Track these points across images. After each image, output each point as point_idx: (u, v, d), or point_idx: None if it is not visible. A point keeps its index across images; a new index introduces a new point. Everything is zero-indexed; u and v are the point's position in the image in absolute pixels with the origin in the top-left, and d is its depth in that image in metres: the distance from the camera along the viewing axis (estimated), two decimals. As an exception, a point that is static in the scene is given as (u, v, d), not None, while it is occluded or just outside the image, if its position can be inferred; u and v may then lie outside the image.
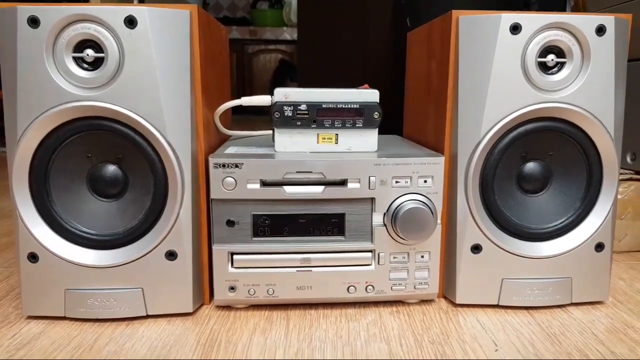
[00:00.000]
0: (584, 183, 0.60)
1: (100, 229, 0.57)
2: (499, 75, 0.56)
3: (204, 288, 0.61)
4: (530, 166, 0.60)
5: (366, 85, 0.61)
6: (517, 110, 0.57)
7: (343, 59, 1.23)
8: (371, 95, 0.60)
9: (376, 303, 0.62)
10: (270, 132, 0.63)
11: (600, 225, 0.60)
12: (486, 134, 0.57)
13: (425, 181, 0.58)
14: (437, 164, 0.58)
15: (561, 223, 0.60)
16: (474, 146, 0.58)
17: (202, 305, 0.62)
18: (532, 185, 0.61)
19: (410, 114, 0.78)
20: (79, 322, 0.58)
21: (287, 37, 2.56)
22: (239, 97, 0.62)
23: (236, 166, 0.56)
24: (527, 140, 0.59)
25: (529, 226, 0.60)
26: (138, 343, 0.53)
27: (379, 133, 0.63)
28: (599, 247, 0.60)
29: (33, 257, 0.56)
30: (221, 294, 0.59)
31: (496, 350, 0.52)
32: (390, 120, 0.79)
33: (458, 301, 0.61)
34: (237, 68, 2.50)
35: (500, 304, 0.61)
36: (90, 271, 0.57)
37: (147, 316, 0.58)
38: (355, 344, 0.53)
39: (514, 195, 0.60)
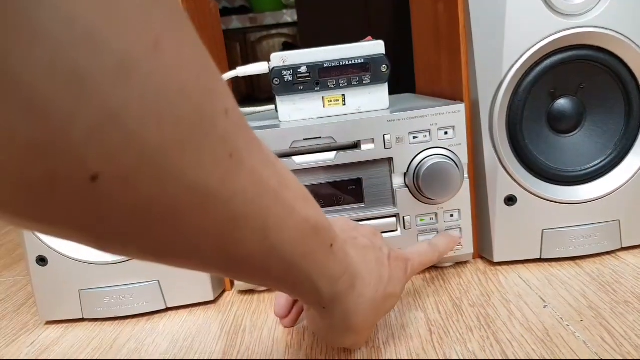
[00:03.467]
0: (623, 115, 0.54)
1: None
2: (515, 5, 0.51)
3: (223, 274, 0.58)
4: (561, 103, 0.55)
5: (369, 38, 0.56)
6: (539, 42, 0.51)
7: (344, 25, 1.17)
8: (376, 47, 0.55)
9: (407, 271, 0.58)
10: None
11: (646, 159, 0.54)
12: (508, 72, 0.52)
13: (446, 133, 0.53)
14: (457, 112, 0.53)
15: (601, 162, 0.55)
16: (495, 88, 0.53)
17: (223, 292, 0.59)
18: (564, 124, 0.55)
19: (422, 67, 0.73)
20: (98, 322, 0.55)
21: (288, 19, 2.50)
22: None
23: (239, 140, 0.52)
24: (554, 75, 0.53)
25: (565, 169, 0.55)
26: (159, 337, 0.50)
27: (390, 94, 0.58)
28: (647, 183, 0.55)
29: (42, 261, 0.54)
30: (241, 278, 0.55)
31: (545, 307, 0.47)
32: (401, 80, 0.74)
33: (496, 259, 0.56)
34: (242, 58, 2.45)
35: (542, 257, 0.56)
36: (101, 269, 0.54)
37: (167, 309, 0.55)
38: (389, 315, 0.49)
39: (545, 138, 0.55)
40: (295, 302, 0.46)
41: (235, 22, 2.51)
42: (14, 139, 0.16)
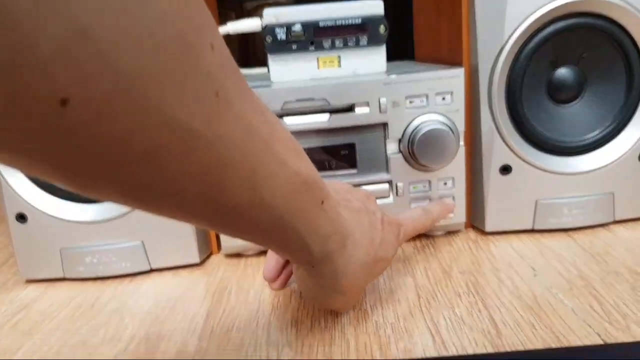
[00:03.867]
0: (623, 86, 0.53)
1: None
2: (519, -33, 0.49)
3: (210, 237, 0.57)
4: (562, 72, 0.53)
5: (368, -4, 0.54)
6: (542, 7, 0.49)
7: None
8: (374, 7, 0.53)
9: (398, 239, 0.57)
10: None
11: (644, 132, 0.53)
12: (509, 37, 0.50)
13: (444, 98, 0.52)
14: (456, 77, 0.51)
15: (599, 134, 0.54)
16: (496, 53, 0.51)
17: (210, 255, 0.57)
18: (564, 94, 0.54)
19: (421, 31, 0.71)
20: (80, 282, 0.54)
21: (287, -11, 2.45)
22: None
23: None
24: (556, 42, 0.51)
25: (563, 140, 0.53)
26: (142, 298, 0.49)
27: (388, 61, 0.56)
28: (644, 157, 0.54)
29: (22, 218, 0.52)
30: (229, 240, 0.54)
31: (535, 275, 0.46)
32: (400, 48, 0.72)
33: (488, 229, 0.55)
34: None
35: (535, 228, 0.55)
36: (84, 227, 0.52)
37: (152, 270, 0.54)
38: (377, 280, 0.48)
39: (544, 107, 0.54)
40: (284, 265, 0.45)
41: (231, -8, 2.46)
42: None
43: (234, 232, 0.30)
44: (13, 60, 0.15)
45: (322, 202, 0.32)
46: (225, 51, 0.24)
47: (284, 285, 0.45)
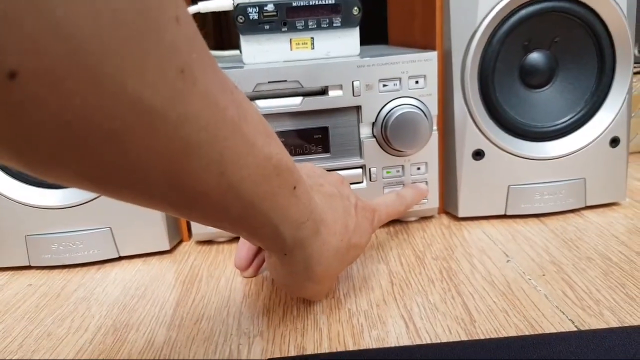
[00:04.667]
0: (595, 72, 0.54)
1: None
2: (494, -51, 0.48)
3: (180, 223, 0.56)
4: (534, 57, 0.53)
5: (341, -23, 0.53)
6: (516, -10, 0.49)
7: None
8: (348, -13, 0.52)
9: (371, 224, 0.56)
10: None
11: (615, 117, 0.54)
12: (482, 21, 0.50)
13: (417, 82, 0.51)
14: (429, 61, 0.51)
15: (570, 119, 0.54)
16: (469, 37, 0.51)
17: (180, 242, 0.56)
18: (536, 79, 0.54)
19: (395, 15, 0.70)
20: (45, 270, 0.52)
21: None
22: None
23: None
24: (529, 26, 0.51)
25: (535, 125, 0.54)
26: (110, 286, 0.48)
27: (362, 44, 0.55)
28: (614, 142, 0.54)
29: (-17, 204, 0.50)
30: (200, 227, 0.53)
31: (508, 261, 0.46)
32: (374, 32, 0.71)
33: (461, 214, 0.55)
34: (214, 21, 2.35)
35: (507, 213, 0.55)
36: (49, 213, 0.50)
37: (120, 258, 0.53)
38: (350, 267, 0.47)
39: (517, 92, 0.54)
40: (256, 253, 0.44)
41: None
42: None
43: (204, 219, 0.29)
44: None
45: (295, 188, 0.31)
46: (192, 26, 0.22)
47: (256, 273, 0.44)
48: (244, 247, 0.44)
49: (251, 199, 0.28)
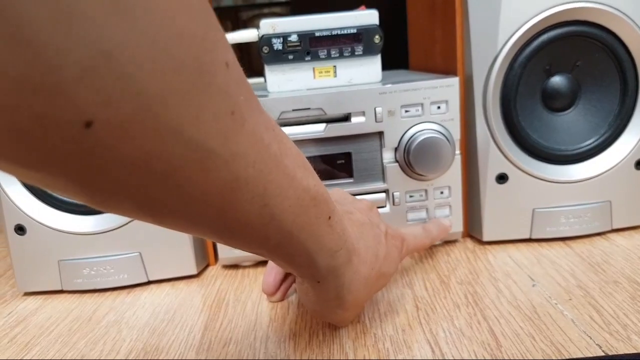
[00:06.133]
0: (618, 94, 0.53)
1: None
2: (513, -23, 0.49)
3: (207, 248, 0.57)
4: (556, 80, 0.53)
5: (362, 7, 0.54)
6: (536, 15, 0.50)
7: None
8: (369, 17, 0.53)
9: (395, 248, 0.57)
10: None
11: (639, 139, 0.53)
12: (503, 46, 0.50)
13: (439, 107, 0.52)
14: (451, 86, 0.51)
15: (594, 141, 0.54)
16: (490, 62, 0.51)
17: (207, 266, 0.57)
18: (559, 102, 0.54)
19: (416, 40, 0.71)
20: (77, 294, 0.54)
21: (282, -2, 2.45)
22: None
23: (226, 109, 0.50)
24: (550, 51, 0.52)
25: (558, 148, 0.54)
26: (140, 310, 0.49)
27: (383, 69, 0.56)
28: (639, 164, 0.54)
29: (20, 230, 0.52)
30: (225, 252, 0.54)
31: (533, 285, 0.46)
32: (394, 57, 0.73)
33: (485, 238, 0.55)
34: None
35: (532, 237, 0.55)
36: (82, 239, 0.52)
37: (149, 282, 0.54)
38: (375, 293, 0.48)
39: (539, 115, 0.54)
40: (283, 279, 0.45)
41: (227, 0, 2.46)
42: (2, 75, 0.15)
43: (242, 246, 0.30)
44: (39, 83, 0.16)
45: (330, 217, 0.32)
46: (239, 69, 0.24)
47: (283, 297, 0.45)
48: (272, 272, 0.44)
49: (290, 228, 0.29)
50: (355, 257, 0.36)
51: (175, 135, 0.20)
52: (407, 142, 0.52)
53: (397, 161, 0.53)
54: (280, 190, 0.27)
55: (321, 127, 0.51)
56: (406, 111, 0.51)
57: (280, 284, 0.44)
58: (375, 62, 0.55)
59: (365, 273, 0.37)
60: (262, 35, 0.52)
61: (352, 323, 0.43)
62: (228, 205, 0.25)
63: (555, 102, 0.54)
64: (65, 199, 0.52)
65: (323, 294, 0.36)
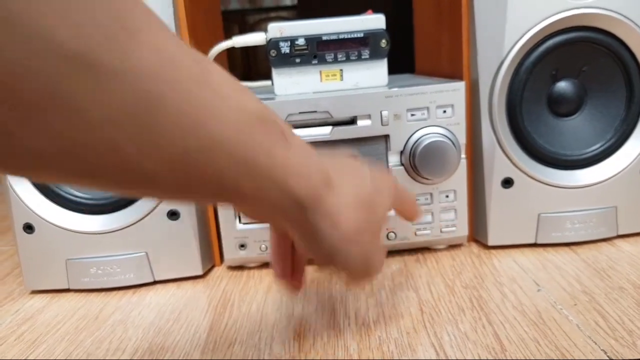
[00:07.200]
0: (624, 99, 0.53)
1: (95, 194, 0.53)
2: (520, -18, 0.49)
3: (213, 249, 0.57)
4: (562, 85, 0.53)
5: (370, 11, 0.54)
6: (542, 21, 0.50)
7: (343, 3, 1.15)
8: (376, 21, 0.53)
9: (400, 251, 0.57)
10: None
11: (646, 145, 0.53)
12: (509, 51, 0.51)
13: (445, 111, 0.52)
14: (456, 91, 0.52)
15: (600, 147, 0.54)
16: (496, 67, 0.51)
17: (213, 267, 0.58)
18: (565, 107, 0.54)
19: (422, 44, 0.71)
20: (84, 293, 0.54)
21: (287, 2, 2.47)
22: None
23: (233, 112, 0.50)
24: (556, 56, 0.52)
25: (564, 153, 0.54)
26: (146, 310, 0.49)
27: (389, 73, 0.56)
28: (646, 170, 0.54)
29: (29, 228, 0.53)
30: (231, 252, 0.54)
31: (539, 290, 0.46)
32: (400, 61, 0.73)
33: (490, 243, 0.55)
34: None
35: (538, 242, 0.55)
36: (89, 238, 0.53)
37: (155, 282, 0.54)
38: (379, 294, 0.48)
39: (545, 120, 0.54)
40: (291, 263, 0.40)
41: (235, 3, 2.47)
42: None
43: (199, 189, 0.26)
44: None
45: (285, 137, 0.29)
46: None
47: (301, 281, 0.41)
48: (277, 260, 0.40)
49: (244, 154, 0.26)
50: (336, 177, 0.32)
51: (47, 43, 0.18)
52: (412, 146, 0.52)
53: (402, 164, 0.53)
54: (211, 109, 0.24)
55: (327, 130, 0.52)
56: (412, 115, 0.52)
57: (290, 266, 0.40)
58: (382, 66, 0.55)
59: (352, 192, 0.33)
60: (270, 39, 0.53)
61: (356, 325, 0.43)
62: (150, 132, 0.22)
63: (561, 107, 0.54)
64: (73, 198, 0.53)
65: (315, 225, 0.32)
